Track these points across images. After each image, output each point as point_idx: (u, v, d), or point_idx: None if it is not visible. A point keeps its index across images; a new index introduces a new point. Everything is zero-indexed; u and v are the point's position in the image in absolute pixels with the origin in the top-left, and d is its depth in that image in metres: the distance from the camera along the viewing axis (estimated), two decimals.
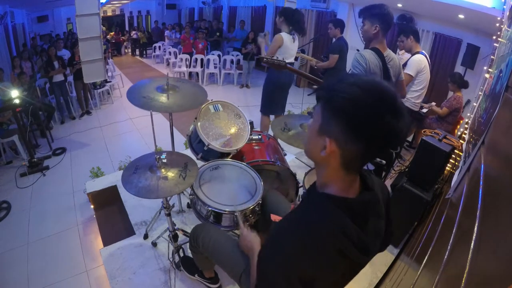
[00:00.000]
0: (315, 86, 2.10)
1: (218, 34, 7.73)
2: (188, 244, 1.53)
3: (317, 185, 0.74)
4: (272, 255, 0.68)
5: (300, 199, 2.21)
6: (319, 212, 0.67)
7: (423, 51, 2.67)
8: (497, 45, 2.49)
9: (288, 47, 2.89)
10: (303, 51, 5.19)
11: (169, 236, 1.80)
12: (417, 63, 2.53)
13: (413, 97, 2.65)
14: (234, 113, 2.07)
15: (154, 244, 2.08)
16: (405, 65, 2.94)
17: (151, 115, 1.62)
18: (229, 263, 1.30)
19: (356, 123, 0.60)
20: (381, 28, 1.80)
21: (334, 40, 3.75)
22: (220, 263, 1.37)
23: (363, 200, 0.69)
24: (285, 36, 2.86)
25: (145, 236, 2.15)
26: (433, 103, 3.57)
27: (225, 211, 1.50)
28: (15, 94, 3.44)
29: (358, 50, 1.93)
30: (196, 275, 1.73)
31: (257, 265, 0.72)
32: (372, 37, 1.85)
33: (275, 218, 1.06)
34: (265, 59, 2.06)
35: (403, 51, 3.42)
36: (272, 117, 3.42)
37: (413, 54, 2.65)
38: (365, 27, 1.85)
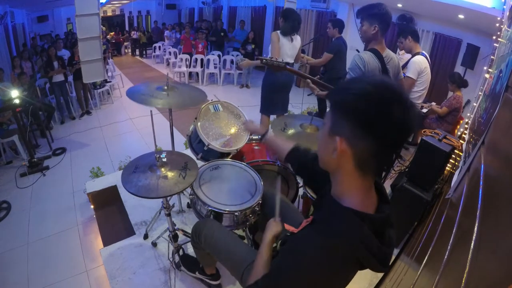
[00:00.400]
0: (308, 81, 2.08)
1: (222, 34, 7.68)
2: (188, 244, 1.53)
3: (333, 194, 0.72)
4: (291, 267, 0.68)
5: (301, 200, 2.21)
6: (346, 229, 0.65)
7: (424, 52, 2.66)
8: (497, 45, 2.49)
9: (284, 45, 2.88)
10: (303, 51, 5.17)
11: (169, 236, 1.80)
12: (417, 65, 2.53)
13: (414, 98, 2.65)
14: (234, 113, 2.07)
15: (154, 244, 2.08)
16: (405, 66, 2.94)
17: (151, 115, 1.62)
18: (231, 260, 1.29)
19: (366, 117, 0.59)
20: (380, 28, 1.79)
21: (333, 40, 3.75)
22: (221, 260, 1.36)
23: (386, 216, 0.69)
24: (280, 34, 2.87)
25: (145, 236, 2.15)
26: (433, 103, 3.57)
27: (225, 211, 1.50)
28: (15, 94, 3.44)
29: (357, 51, 1.92)
30: (196, 273, 1.72)
31: (270, 273, 0.72)
32: (371, 37, 1.84)
33: (289, 228, 1.05)
34: (264, 60, 2.05)
35: (403, 51, 3.41)
36: (272, 116, 3.42)
37: (413, 55, 2.64)
38: (364, 28, 1.84)
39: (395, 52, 2.64)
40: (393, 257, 2.07)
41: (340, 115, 0.63)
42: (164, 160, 1.55)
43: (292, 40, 2.93)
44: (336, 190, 0.72)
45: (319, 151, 0.72)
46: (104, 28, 10.30)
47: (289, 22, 2.86)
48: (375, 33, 1.81)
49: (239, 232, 1.95)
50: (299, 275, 0.66)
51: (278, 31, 2.89)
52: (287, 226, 1.07)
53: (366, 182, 0.68)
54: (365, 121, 0.59)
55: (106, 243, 2.29)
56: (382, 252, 0.65)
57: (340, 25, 3.61)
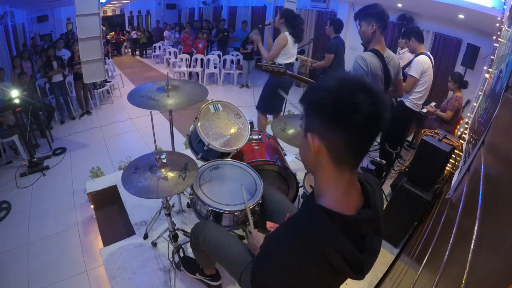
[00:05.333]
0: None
1: (226, 33, 7.68)
2: (188, 244, 1.53)
3: (314, 193, 0.72)
4: (265, 265, 0.68)
5: (301, 200, 2.21)
6: (313, 226, 0.64)
7: (427, 52, 2.66)
8: (497, 45, 2.49)
9: (290, 48, 2.95)
10: (303, 51, 5.17)
11: (169, 236, 1.80)
12: (420, 64, 2.53)
13: (415, 98, 2.64)
14: (234, 113, 2.08)
15: (154, 244, 2.08)
16: (407, 65, 2.94)
17: (151, 115, 1.63)
18: (230, 261, 1.30)
19: (331, 109, 0.60)
20: (378, 26, 1.80)
21: (331, 39, 3.74)
22: (220, 261, 1.37)
23: (361, 218, 0.66)
24: (288, 36, 2.90)
25: (145, 236, 2.15)
26: (433, 103, 3.56)
27: (225, 211, 1.50)
28: (15, 94, 3.44)
29: (363, 44, 1.93)
30: (197, 274, 1.72)
31: (252, 272, 0.72)
32: (371, 37, 1.85)
33: (270, 225, 1.06)
34: (264, 66, 2.05)
35: (403, 50, 3.41)
36: (270, 116, 3.42)
37: (417, 55, 2.64)
38: (363, 28, 1.86)
39: (395, 51, 2.63)
40: (393, 257, 2.08)
41: (310, 114, 0.65)
42: (164, 161, 1.55)
43: (294, 40, 2.99)
44: (316, 189, 0.72)
45: (300, 154, 0.74)
46: (104, 28, 10.29)
47: (292, 26, 2.88)
48: (373, 32, 1.82)
49: (239, 232, 1.95)
50: (269, 271, 0.66)
51: (287, 33, 2.91)
52: (268, 224, 1.09)
53: (344, 178, 0.67)
54: (331, 113, 0.60)
55: (106, 243, 2.29)
56: (357, 257, 0.63)
57: (336, 25, 3.58)
